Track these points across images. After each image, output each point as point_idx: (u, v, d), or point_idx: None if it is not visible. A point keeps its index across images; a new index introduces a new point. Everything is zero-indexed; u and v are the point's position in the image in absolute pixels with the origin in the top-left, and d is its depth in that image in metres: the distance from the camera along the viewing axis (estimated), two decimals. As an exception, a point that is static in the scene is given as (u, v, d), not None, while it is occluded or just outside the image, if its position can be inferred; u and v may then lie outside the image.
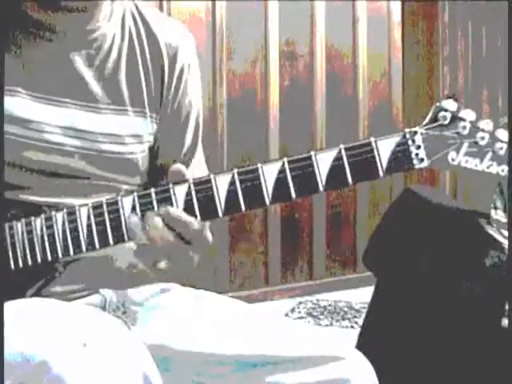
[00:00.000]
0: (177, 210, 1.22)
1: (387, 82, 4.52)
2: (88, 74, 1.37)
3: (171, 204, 1.22)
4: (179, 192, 1.22)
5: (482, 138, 1.17)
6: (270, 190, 1.20)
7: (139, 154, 1.42)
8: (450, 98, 1.22)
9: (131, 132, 1.41)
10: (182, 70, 1.47)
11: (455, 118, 1.18)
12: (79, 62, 1.37)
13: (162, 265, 1.24)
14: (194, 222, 1.22)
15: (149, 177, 1.48)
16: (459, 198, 4.54)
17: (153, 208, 1.23)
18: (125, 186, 1.41)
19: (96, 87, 1.38)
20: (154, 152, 1.47)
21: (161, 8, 3.68)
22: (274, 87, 4.09)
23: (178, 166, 1.25)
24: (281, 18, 4.09)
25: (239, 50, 3.98)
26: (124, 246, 1.29)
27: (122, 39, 1.42)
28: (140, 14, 1.46)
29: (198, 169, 1.52)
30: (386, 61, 4.52)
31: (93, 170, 1.37)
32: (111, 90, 1.39)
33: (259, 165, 1.21)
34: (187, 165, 1.49)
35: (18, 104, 1.32)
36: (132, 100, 1.41)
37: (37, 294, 1.30)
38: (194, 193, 1.22)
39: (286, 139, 4.07)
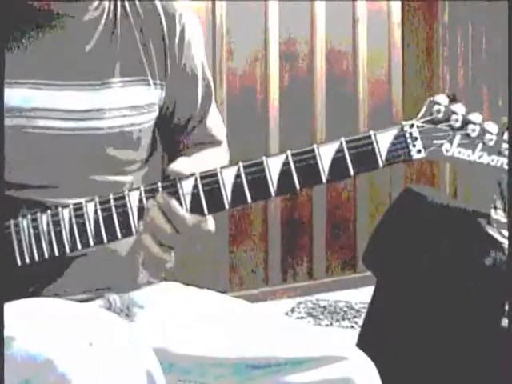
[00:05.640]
0: (175, 204, 1.23)
1: (387, 81, 4.52)
2: (85, 53, 1.37)
3: (178, 197, 1.24)
4: (186, 185, 1.25)
5: (473, 130, 1.23)
6: (275, 182, 1.24)
7: (145, 124, 1.43)
8: (449, 97, 1.26)
9: (135, 103, 1.41)
10: (182, 32, 1.48)
11: (448, 112, 1.24)
12: (78, 43, 1.37)
13: (169, 265, 1.26)
14: (190, 218, 1.23)
15: (163, 136, 1.51)
16: (459, 198, 4.54)
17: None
18: (128, 168, 1.41)
19: (95, 64, 1.37)
20: (167, 114, 1.49)
21: (161, 8, 3.68)
22: (274, 87, 4.09)
23: (173, 168, 1.26)
24: (281, 18, 4.09)
25: (239, 49, 3.99)
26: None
27: (115, 9, 1.42)
28: None
29: (214, 119, 1.55)
30: (386, 61, 4.52)
31: (94, 151, 1.37)
32: (110, 64, 1.39)
33: (264, 158, 1.24)
34: (203, 118, 1.53)
35: (22, 95, 1.32)
36: (132, 70, 1.41)
37: (38, 293, 1.31)
38: (200, 186, 1.24)
39: (286, 139, 4.07)
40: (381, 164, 1.23)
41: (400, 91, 4.56)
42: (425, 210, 2.24)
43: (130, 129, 1.40)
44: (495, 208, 2.09)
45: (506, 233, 2.05)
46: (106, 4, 1.41)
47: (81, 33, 1.38)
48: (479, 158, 1.24)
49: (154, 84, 1.43)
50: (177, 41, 1.47)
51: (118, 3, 1.43)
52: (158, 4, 1.46)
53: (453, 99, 1.26)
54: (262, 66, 4.06)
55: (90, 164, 1.37)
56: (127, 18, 1.43)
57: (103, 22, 1.40)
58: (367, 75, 4.41)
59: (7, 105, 1.30)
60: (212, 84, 1.56)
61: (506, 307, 1.96)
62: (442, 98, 1.25)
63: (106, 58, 1.39)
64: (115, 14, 1.42)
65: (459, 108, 1.24)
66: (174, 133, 1.52)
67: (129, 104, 1.40)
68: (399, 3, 4.58)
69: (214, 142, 1.55)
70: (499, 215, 2.09)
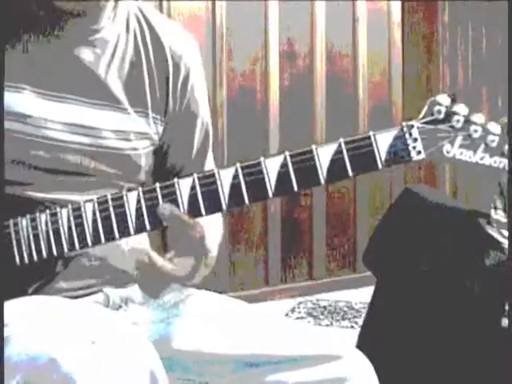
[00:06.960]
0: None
1: (387, 82, 4.52)
2: (92, 72, 1.38)
3: (175, 198, 1.24)
4: (184, 186, 1.25)
5: (475, 131, 1.22)
6: (273, 183, 1.24)
7: (142, 150, 1.42)
8: (449, 97, 1.25)
9: (134, 129, 1.41)
10: (186, 77, 1.48)
11: (449, 112, 1.23)
12: (83, 59, 1.37)
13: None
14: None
15: (157, 177, 1.49)
16: (459, 198, 4.54)
17: (158, 203, 1.25)
18: (128, 184, 1.42)
19: (100, 84, 1.38)
20: (162, 154, 1.48)
21: (161, 8, 3.68)
22: (274, 87, 4.09)
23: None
24: (281, 17, 4.09)
25: (239, 49, 3.99)
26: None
27: (127, 41, 1.43)
28: (145, 17, 1.47)
29: (209, 167, 1.53)
30: (386, 61, 4.52)
31: (96, 166, 1.37)
32: (114, 88, 1.40)
33: (262, 159, 1.24)
34: (200, 168, 1.51)
35: (23, 101, 1.32)
36: (133, 100, 1.41)
37: (39, 290, 1.31)
38: (198, 187, 1.25)
39: (286, 139, 4.07)
40: (380, 165, 1.23)
41: (400, 91, 4.56)
42: (425, 210, 2.24)
43: (129, 152, 1.41)
44: (495, 208, 2.09)
45: (506, 233, 2.05)
46: (119, 29, 1.42)
47: (88, 51, 1.38)
48: (481, 159, 1.22)
49: (153, 118, 1.43)
50: (179, 86, 1.47)
51: (131, 35, 1.44)
52: (167, 48, 1.46)
53: (453, 99, 1.25)
54: (261, 66, 4.06)
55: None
56: (137, 50, 1.44)
57: (113, 44, 1.41)
58: (367, 75, 4.41)
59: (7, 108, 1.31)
60: (211, 132, 1.55)
61: (506, 307, 1.96)
62: (444, 98, 1.23)
63: (113, 80, 1.39)
64: (126, 41, 1.43)
65: (461, 108, 1.23)
66: (169, 174, 1.49)
67: (129, 129, 1.40)
68: (399, 3, 4.59)
69: None
70: (499, 215, 2.09)
